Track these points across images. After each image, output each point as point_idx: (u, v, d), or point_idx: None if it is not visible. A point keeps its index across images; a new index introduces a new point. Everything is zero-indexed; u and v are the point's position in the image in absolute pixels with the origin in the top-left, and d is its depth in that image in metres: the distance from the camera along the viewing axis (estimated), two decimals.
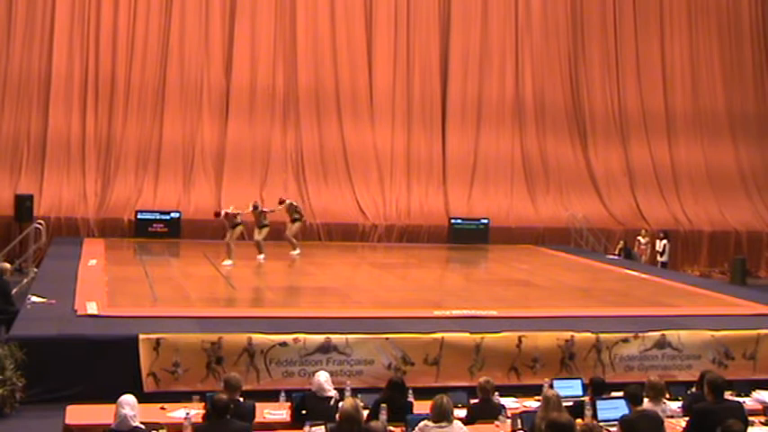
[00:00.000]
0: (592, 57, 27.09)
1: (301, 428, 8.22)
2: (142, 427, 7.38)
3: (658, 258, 22.69)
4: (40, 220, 20.74)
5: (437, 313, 13.44)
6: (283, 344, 11.43)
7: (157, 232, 22.18)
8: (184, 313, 13.00)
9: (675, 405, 9.51)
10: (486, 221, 24.28)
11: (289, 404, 9.19)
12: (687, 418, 8.61)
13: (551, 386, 9.53)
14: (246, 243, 19.37)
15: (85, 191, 23.05)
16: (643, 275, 19.04)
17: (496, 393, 9.24)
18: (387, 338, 11.76)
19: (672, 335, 12.64)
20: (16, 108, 23.31)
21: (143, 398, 8.90)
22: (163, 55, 24.30)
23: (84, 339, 11.17)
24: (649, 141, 27.03)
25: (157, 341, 11.10)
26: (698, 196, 26.80)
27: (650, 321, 13.25)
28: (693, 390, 9.78)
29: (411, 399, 9.18)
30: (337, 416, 7.74)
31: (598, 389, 9.55)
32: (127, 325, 11.70)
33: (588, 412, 8.71)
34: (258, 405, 8.87)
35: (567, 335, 12.29)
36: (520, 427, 8.58)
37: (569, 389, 9.91)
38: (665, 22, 27.54)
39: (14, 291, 14.58)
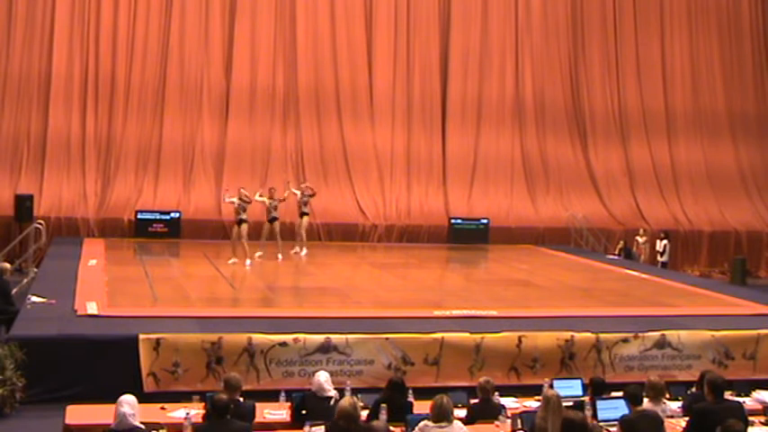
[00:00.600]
0: (592, 57, 27.08)
1: (301, 428, 8.22)
2: (142, 426, 7.37)
3: (658, 258, 22.69)
4: (40, 220, 20.73)
5: (437, 313, 13.44)
6: (283, 344, 11.43)
7: (157, 232, 22.17)
8: (184, 313, 13.01)
9: (675, 405, 9.51)
10: (486, 221, 24.28)
11: (289, 404, 9.19)
12: (687, 418, 8.61)
13: (551, 386, 9.53)
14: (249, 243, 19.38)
15: (85, 191, 23.04)
16: (643, 275, 19.04)
17: (496, 393, 9.24)
18: (387, 338, 11.77)
19: (672, 335, 12.65)
20: (16, 108, 23.30)
21: (143, 398, 8.89)
22: (163, 55, 24.29)
23: (85, 339, 11.17)
24: (649, 141, 27.02)
25: (157, 341, 11.10)
26: (698, 196, 26.80)
27: (650, 321, 13.25)
28: (693, 390, 9.78)
29: (411, 399, 9.18)
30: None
31: (598, 389, 9.55)
32: (127, 325, 11.70)
33: (588, 412, 8.70)
34: (258, 405, 8.87)
35: (567, 335, 12.30)
36: (520, 427, 8.58)
37: (569, 389, 9.91)
38: (665, 21, 27.54)
39: (14, 291, 14.58)
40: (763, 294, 16.73)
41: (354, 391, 9.60)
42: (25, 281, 17.48)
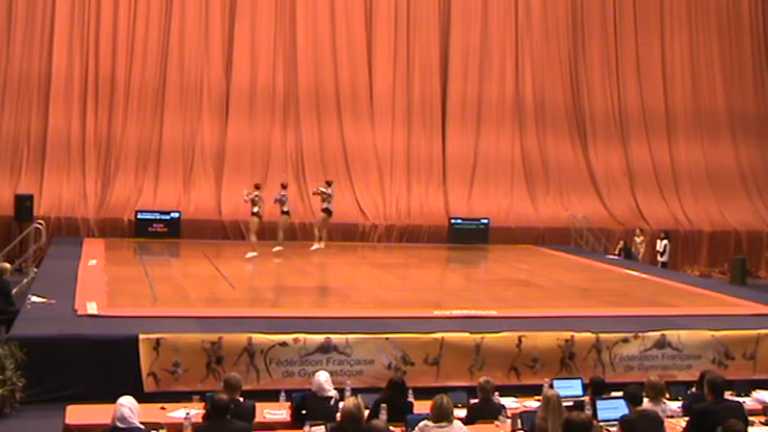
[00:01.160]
0: (592, 57, 27.08)
1: (301, 428, 8.23)
2: (142, 427, 7.37)
3: (659, 258, 22.69)
4: (40, 220, 20.72)
5: (437, 313, 13.44)
6: (283, 344, 11.43)
7: (157, 232, 22.16)
8: (184, 313, 13.01)
9: (675, 405, 9.52)
10: (486, 221, 24.27)
11: (289, 404, 9.19)
12: (687, 418, 8.61)
13: (551, 386, 9.54)
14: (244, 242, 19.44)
15: (85, 191, 23.03)
16: (643, 275, 19.04)
17: (496, 393, 9.24)
18: (387, 338, 11.77)
19: (672, 335, 12.65)
20: (16, 108, 23.29)
21: (143, 398, 8.92)
22: (163, 55, 24.28)
23: (85, 339, 11.17)
24: (649, 141, 27.02)
25: (157, 341, 11.10)
26: (698, 196, 26.79)
27: (650, 321, 13.25)
28: (693, 390, 9.79)
29: (411, 399, 9.18)
30: (338, 415, 7.74)
31: (598, 389, 9.56)
32: (127, 325, 11.70)
33: (588, 412, 8.70)
34: (258, 405, 8.87)
35: (567, 335, 12.30)
36: (520, 427, 8.58)
37: (569, 389, 9.91)
38: (665, 21, 27.54)
39: (14, 291, 14.58)
40: (763, 294, 16.73)
41: (354, 392, 9.59)
42: (25, 281, 17.47)
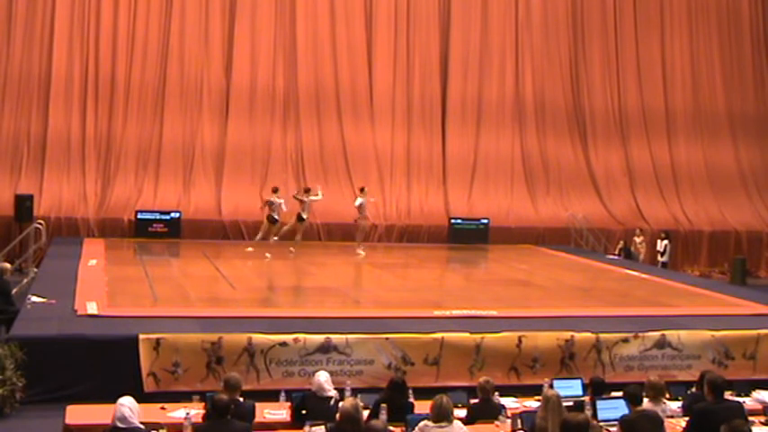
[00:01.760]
0: (592, 57, 27.08)
1: (301, 428, 8.23)
2: (142, 427, 7.37)
3: (659, 258, 22.70)
4: (40, 220, 20.72)
5: (437, 313, 13.44)
6: (283, 344, 11.43)
7: (157, 232, 22.15)
8: (184, 313, 13.01)
9: (675, 405, 9.51)
10: (486, 221, 24.27)
11: (289, 404, 9.19)
12: (687, 418, 8.61)
13: (551, 386, 9.53)
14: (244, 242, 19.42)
15: (85, 191, 23.03)
16: (643, 275, 19.04)
17: (496, 393, 9.24)
18: (387, 338, 11.77)
19: (672, 335, 12.65)
20: (16, 108, 23.29)
21: (143, 398, 8.92)
22: (163, 55, 24.28)
23: (85, 339, 11.17)
24: (649, 141, 27.02)
25: (157, 341, 11.10)
26: (698, 196, 26.80)
27: (650, 321, 13.25)
28: (693, 390, 9.78)
29: (411, 399, 9.18)
30: (337, 416, 7.74)
31: (598, 389, 9.56)
32: (127, 325, 11.70)
33: (588, 412, 8.70)
34: (258, 405, 8.87)
35: (567, 335, 12.30)
36: (520, 427, 8.58)
37: (569, 389, 9.91)
38: (665, 21, 27.55)
39: (14, 291, 14.58)
40: (763, 294, 16.72)
41: (354, 392, 9.60)
42: (25, 281, 17.47)
